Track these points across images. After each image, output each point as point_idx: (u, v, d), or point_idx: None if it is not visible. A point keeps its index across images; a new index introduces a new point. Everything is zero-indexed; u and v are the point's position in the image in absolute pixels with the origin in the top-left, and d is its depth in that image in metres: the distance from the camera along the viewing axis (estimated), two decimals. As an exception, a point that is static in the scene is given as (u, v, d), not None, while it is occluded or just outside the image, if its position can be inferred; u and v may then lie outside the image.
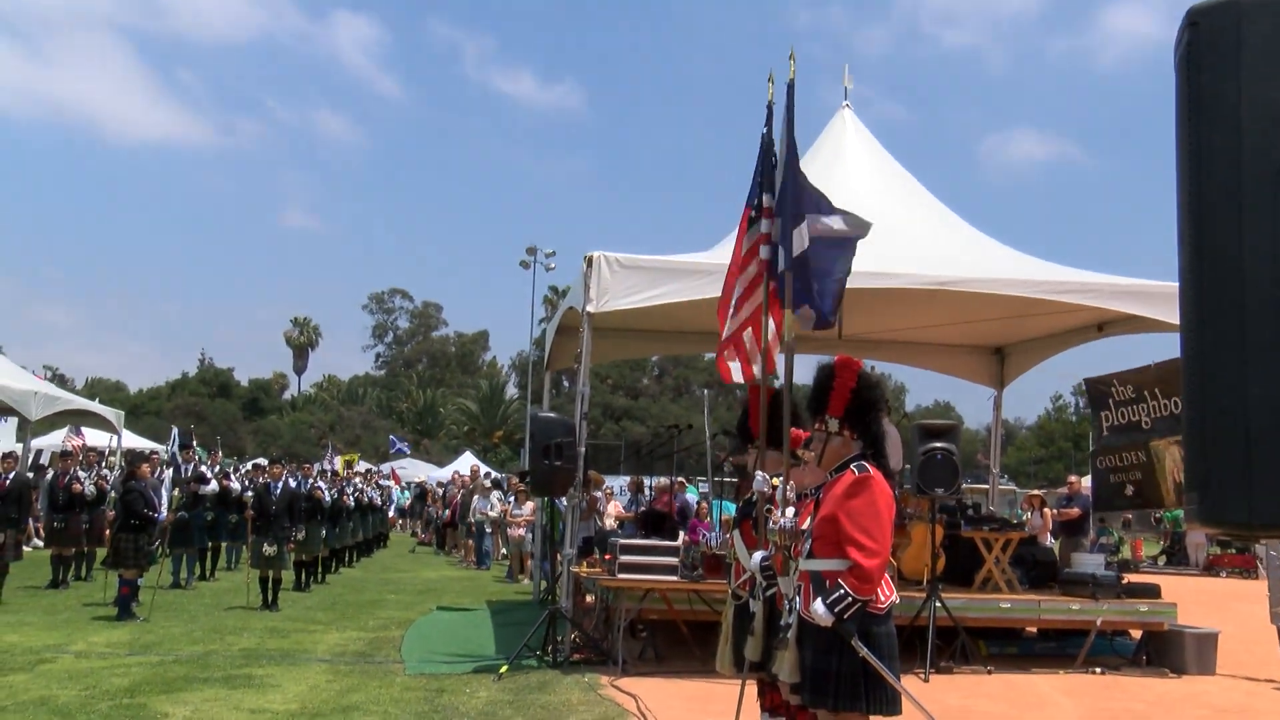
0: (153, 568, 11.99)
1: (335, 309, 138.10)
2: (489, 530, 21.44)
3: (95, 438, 22.99)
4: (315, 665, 8.86)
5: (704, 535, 8.55)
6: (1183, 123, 1.90)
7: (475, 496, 22.16)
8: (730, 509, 15.45)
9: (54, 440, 26.50)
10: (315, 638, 10.48)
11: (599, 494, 15.83)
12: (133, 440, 28.00)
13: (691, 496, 17.28)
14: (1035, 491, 17.56)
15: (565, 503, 10.37)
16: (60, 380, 55.41)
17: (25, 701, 7.07)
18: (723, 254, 11.00)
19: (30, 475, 14.67)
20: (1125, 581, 10.53)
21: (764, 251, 6.64)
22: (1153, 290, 10.36)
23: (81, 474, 15.07)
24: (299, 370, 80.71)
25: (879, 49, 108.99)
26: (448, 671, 8.69)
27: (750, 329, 6.59)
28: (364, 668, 8.81)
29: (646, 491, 16.68)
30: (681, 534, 11.43)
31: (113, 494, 14.66)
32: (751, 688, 6.16)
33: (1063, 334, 13.14)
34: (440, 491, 29.78)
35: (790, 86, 6.19)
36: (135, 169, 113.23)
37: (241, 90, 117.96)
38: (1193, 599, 12.20)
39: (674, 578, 9.49)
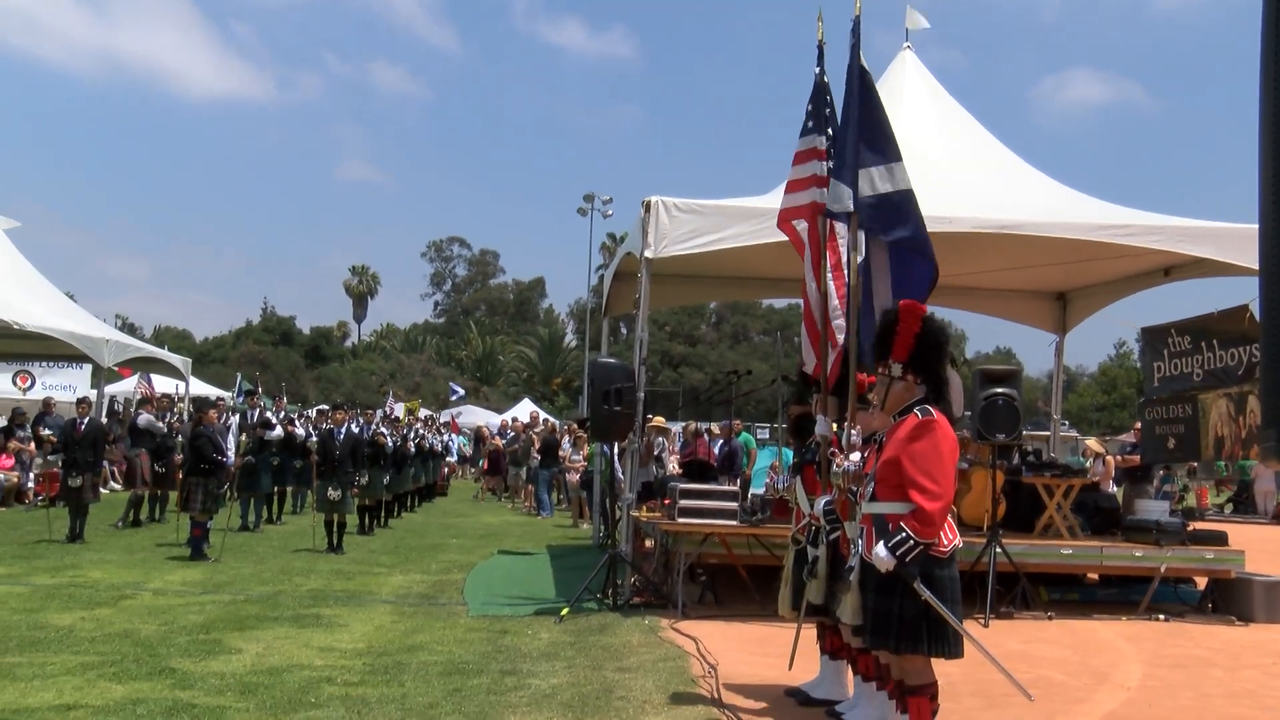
0: (221, 511, 12.32)
1: (394, 258, 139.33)
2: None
3: (163, 384, 23.62)
4: (380, 606, 9.07)
5: (774, 479, 8.57)
6: (1269, 51, 1.82)
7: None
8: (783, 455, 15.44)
9: (125, 387, 27.26)
10: (380, 580, 10.71)
11: (661, 439, 15.83)
12: (199, 387, 28.71)
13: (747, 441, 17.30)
14: (1093, 439, 17.31)
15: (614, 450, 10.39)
16: (130, 329, 56.69)
17: (112, 634, 7.38)
18: (780, 198, 10.91)
19: (104, 420, 15.07)
20: (1190, 529, 10.37)
21: (816, 194, 6.57)
22: (1222, 232, 10.08)
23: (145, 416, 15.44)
24: (358, 318, 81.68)
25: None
26: (510, 614, 8.84)
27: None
28: (428, 609, 8.99)
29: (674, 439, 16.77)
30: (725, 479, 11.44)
31: (181, 438, 15.04)
32: (811, 631, 6.21)
33: (1128, 279, 12.85)
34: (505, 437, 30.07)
35: (856, 23, 6.07)
36: (200, 124, 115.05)
37: (300, 45, 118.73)
38: (1261, 547, 12.00)
39: (733, 522, 9.53)
